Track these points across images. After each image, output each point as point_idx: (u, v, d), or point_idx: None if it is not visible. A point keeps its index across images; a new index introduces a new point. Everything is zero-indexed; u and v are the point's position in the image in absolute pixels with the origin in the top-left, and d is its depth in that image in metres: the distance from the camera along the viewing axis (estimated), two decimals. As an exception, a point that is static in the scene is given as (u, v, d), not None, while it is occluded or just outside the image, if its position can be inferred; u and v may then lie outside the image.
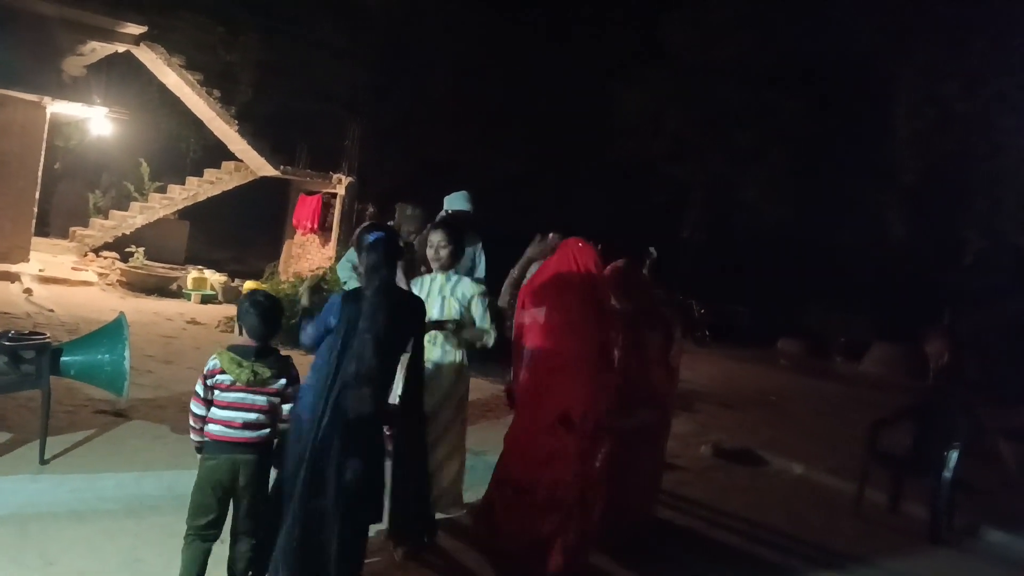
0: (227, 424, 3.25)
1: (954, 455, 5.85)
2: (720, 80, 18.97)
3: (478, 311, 4.34)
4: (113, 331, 4.66)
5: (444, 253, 4.38)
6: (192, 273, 12.84)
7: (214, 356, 3.29)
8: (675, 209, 20.95)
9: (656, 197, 20.55)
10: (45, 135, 12.57)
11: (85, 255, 13.84)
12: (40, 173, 12.56)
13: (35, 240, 12.77)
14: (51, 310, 9.38)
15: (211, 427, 3.27)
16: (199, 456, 3.34)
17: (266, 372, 3.27)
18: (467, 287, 4.39)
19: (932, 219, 15.73)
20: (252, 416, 3.26)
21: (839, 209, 17.65)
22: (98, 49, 13.35)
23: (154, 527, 4.08)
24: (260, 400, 3.28)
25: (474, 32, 18.15)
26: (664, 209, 20.71)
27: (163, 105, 15.73)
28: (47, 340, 4.67)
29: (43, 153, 12.59)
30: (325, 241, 15.35)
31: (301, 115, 17.24)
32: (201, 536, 3.29)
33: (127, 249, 14.04)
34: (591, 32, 20.56)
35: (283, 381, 3.31)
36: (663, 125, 19.96)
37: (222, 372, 3.25)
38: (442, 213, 6.14)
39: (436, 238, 4.42)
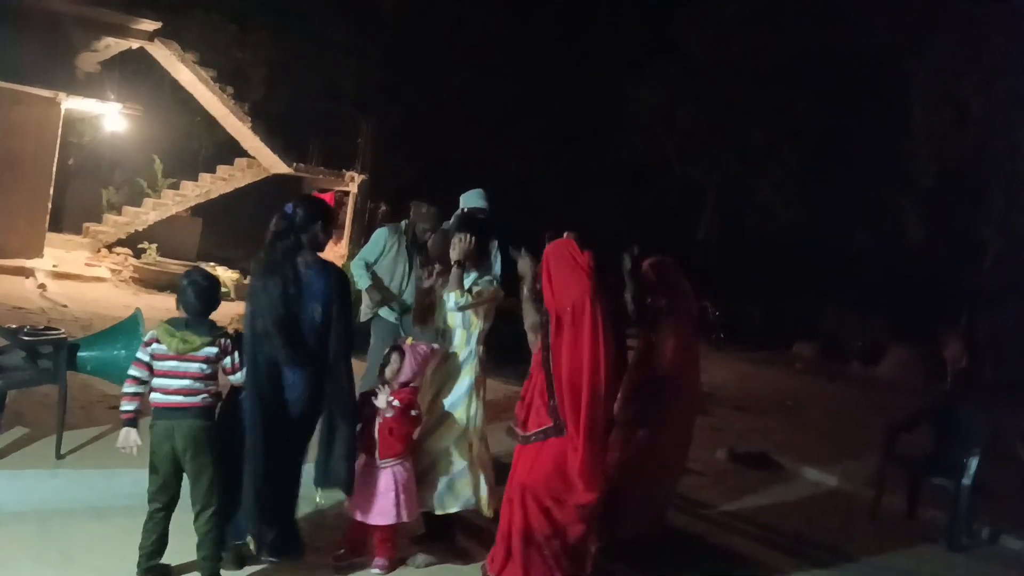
0: (163, 391, 3.50)
1: (973, 459, 5.78)
2: (734, 77, 18.85)
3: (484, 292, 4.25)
4: (129, 327, 4.64)
5: (461, 248, 4.27)
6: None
7: (153, 329, 3.57)
8: (688, 209, 20.85)
9: (669, 197, 20.47)
10: (59, 131, 12.61)
11: (98, 251, 13.89)
12: (54, 169, 12.60)
13: (49, 236, 12.82)
14: (65, 305, 9.40)
15: (152, 395, 3.53)
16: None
17: (195, 340, 3.49)
18: (482, 283, 4.27)
19: (949, 220, 15.61)
20: (185, 383, 3.49)
21: (855, 210, 17.53)
22: (112, 45, 13.40)
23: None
24: (192, 367, 3.50)
25: (485, 30, 18.14)
26: (677, 209, 20.63)
27: (176, 102, 15.76)
28: (64, 336, 4.66)
29: (57, 149, 12.64)
30: (337, 239, 15.36)
31: (313, 113, 17.27)
32: (152, 503, 3.54)
33: (140, 245, 14.08)
34: (603, 29, 20.50)
35: (213, 349, 3.52)
36: (676, 123, 19.85)
37: (157, 342, 3.52)
38: (458, 211, 6.13)
39: (458, 238, 4.31)
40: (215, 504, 3.52)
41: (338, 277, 3.74)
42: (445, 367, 4.21)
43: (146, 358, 3.52)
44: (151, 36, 13.19)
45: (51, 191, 12.63)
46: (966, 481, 5.75)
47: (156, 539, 3.54)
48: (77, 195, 15.53)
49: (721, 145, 19.51)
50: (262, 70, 16.56)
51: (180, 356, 3.48)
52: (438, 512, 4.15)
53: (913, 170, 15.76)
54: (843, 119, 17.53)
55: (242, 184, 15.65)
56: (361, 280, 5.60)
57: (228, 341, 3.59)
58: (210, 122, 15.68)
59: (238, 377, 3.60)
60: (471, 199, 6.03)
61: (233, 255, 16.51)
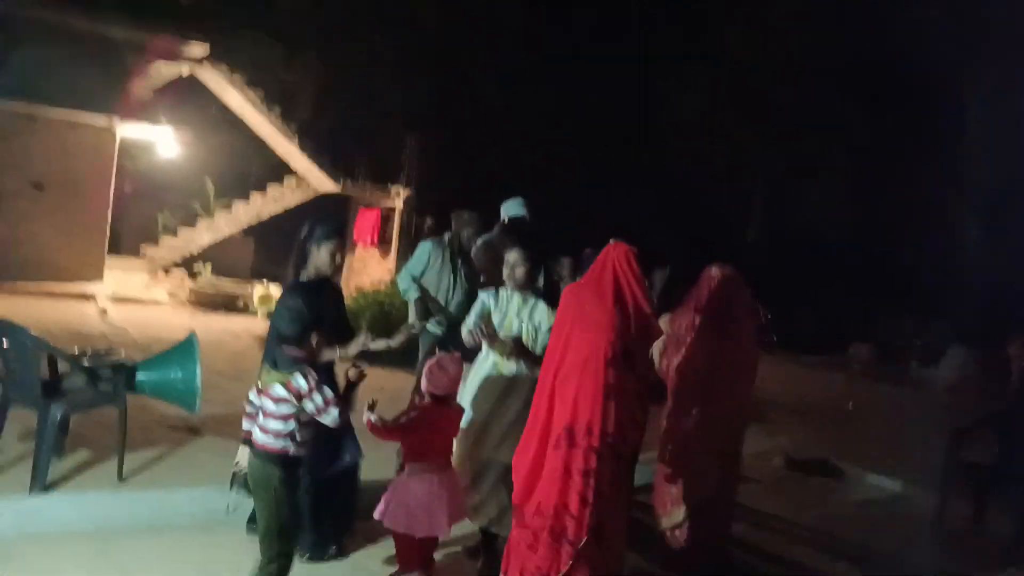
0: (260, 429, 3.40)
1: (1042, 465, 5.57)
2: (779, 81, 18.59)
3: (542, 342, 4.08)
4: (185, 349, 4.74)
5: (520, 272, 4.21)
6: (258, 289, 13.07)
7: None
8: (734, 213, 20.56)
9: (716, 201, 20.22)
10: (115, 156, 12.97)
11: (155, 273, 14.23)
12: (111, 194, 12.96)
13: (108, 259, 13.17)
14: (125, 329, 9.64)
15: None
16: None
17: (267, 376, 3.34)
18: (543, 314, 4.19)
19: (1010, 219, 15.12)
20: (260, 419, 3.37)
21: (912, 211, 17.11)
22: (164, 71, 13.75)
23: (225, 541, 4.13)
24: (267, 404, 3.31)
25: (526, 41, 18.18)
26: (723, 213, 20.36)
27: (225, 123, 16.09)
28: (123, 359, 4.78)
29: (114, 174, 12.99)
30: (385, 254, 15.50)
31: (359, 130, 17.47)
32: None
33: (194, 266, 14.38)
34: (645, 35, 20.38)
35: (280, 390, 3.29)
36: (720, 127, 19.64)
37: None
38: (501, 221, 6.14)
39: (512, 257, 4.24)
40: (263, 558, 3.30)
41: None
42: (499, 384, 4.16)
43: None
44: (201, 60, 13.51)
45: (109, 215, 12.99)
46: (1034, 487, 5.54)
47: None
48: (133, 218, 15.93)
49: (767, 149, 19.25)
50: (309, 89, 16.83)
51: (260, 391, 3.32)
52: (475, 523, 4.15)
53: (970, 171, 15.32)
54: (897, 121, 17.12)
55: (292, 204, 15.88)
56: (409, 292, 5.64)
57: (303, 382, 3.23)
58: (259, 143, 15.98)
59: (326, 419, 3.29)
60: (512, 208, 6.07)
61: (285, 272, 16.76)
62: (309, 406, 3.25)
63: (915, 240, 17.25)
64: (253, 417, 3.33)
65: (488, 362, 4.22)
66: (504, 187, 7.08)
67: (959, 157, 15.72)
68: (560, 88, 18.96)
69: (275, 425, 3.25)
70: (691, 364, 4.70)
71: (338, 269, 4.11)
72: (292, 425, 3.25)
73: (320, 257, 3.98)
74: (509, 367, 4.18)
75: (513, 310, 4.25)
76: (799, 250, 18.57)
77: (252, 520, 4.06)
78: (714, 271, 4.79)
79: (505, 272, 4.26)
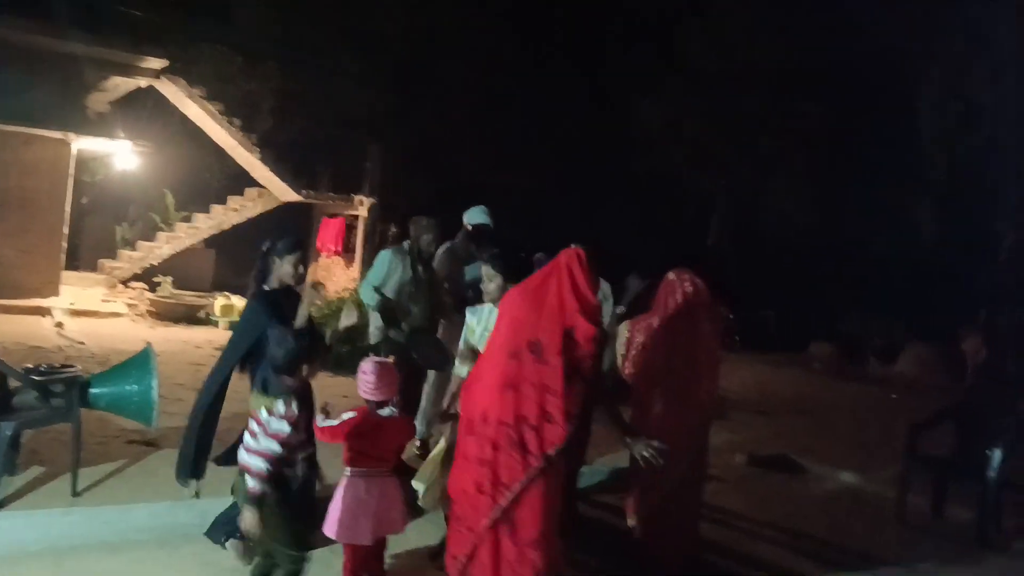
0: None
1: (998, 455, 5.69)
2: (740, 86, 18.84)
3: None
4: (140, 362, 4.68)
5: (492, 286, 4.25)
6: (219, 300, 12.94)
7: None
8: (699, 218, 20.77)
9: (680, 207, 20.41)
10: (72, 171, 12.76)
11: (114, 287, 14.02)
12: (68, 208, 12.75)
13: (65, 274, 12.94)
14: (82, 343, 9.48)
15: None
16: None
17: (253, 401, 3.75)
18: None
19: (963, 216, 15.46)
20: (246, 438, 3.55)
21: (867, 211, 17.41)
22: (121, 85, 13.59)
23: (188, 556, 4.08)
24: (252, 424, 3.55)
25: (490, 52, 18.21)
26: (687, 218, 20.56)
27: (185, 136, 15.93)
28: (75, 373, 4.70)
29: (70, 189, 12.78)
30: (349, 262, 15.44)
31: (322, 140, 17.38)
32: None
33: (154, 279, 14.19)
34: (608, 46, 20.54)
35: (264, 415, 3.51)
36: (684, 134, 19.83)
37: None
38: (464, 228, 6.16)
39: (486, 271, 4.29)
40: (284, 568, 3.52)
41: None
42: None
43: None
44: (158, 74, 13.36)
45: (66, 230, 12.77)
46: (992, 475, 5.66)
47: None
48: (91, 233, 15.70)
49: (729, 153, 19.47)
50: (270, 100, 16.71)
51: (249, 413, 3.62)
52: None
53: (924, 168, 15.64)
54: (851, 121, 17.43)
55: (253, 214, 15.76)
56: (369, 300, 5.63)
57: (284, 410, 3.46)
58: (220, 154, 15.85)
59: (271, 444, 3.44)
60: (474, 215, 6.09)
61: (247, 283, 16.60)
62: (275, 425, 3.42)
63: (874, 239, 17.54)
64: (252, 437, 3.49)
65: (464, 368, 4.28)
66: (469, 195, 7.11)
67: (915, 154, 16.04)
68: (524, 96, 19.03)
69: (266, 446, 3.40)
70: (652, 366, 4.79)
71: (300, 280, 4.24)
72: (279, 448, 3.41)
73: (283, 269, 4.18)
74: None
75: (493, 323, 4.17)
76: (761, 252, 18.83)
77: (212, 529, 4.08)
78: (671, 276, 4.90)
79: (483, 286, 4.31)
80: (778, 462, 7.22)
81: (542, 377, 3.47)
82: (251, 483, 3.36)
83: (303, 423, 3.55)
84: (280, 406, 3.44)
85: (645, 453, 3.64)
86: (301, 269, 4.24)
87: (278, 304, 4.07)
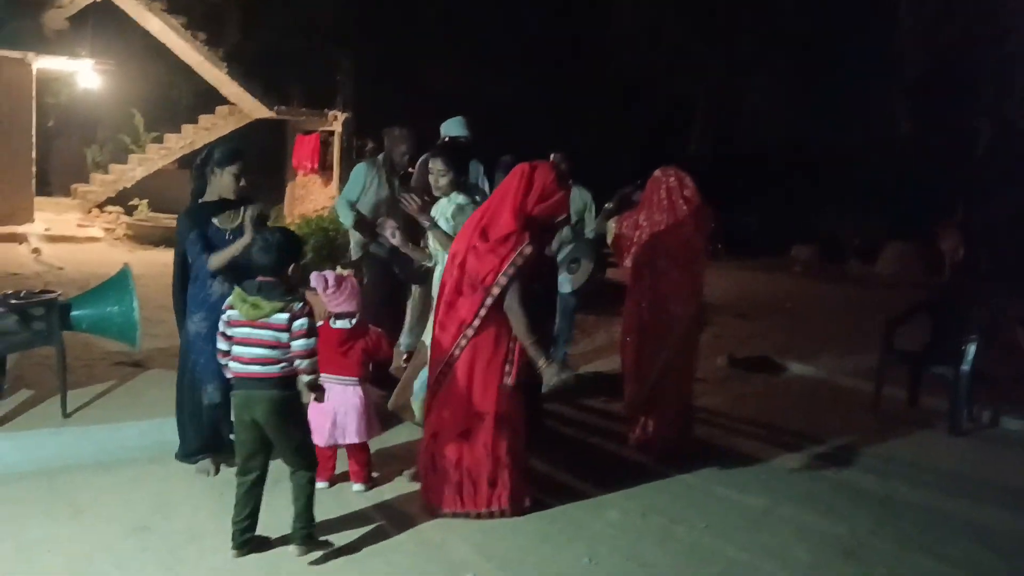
0: (239, 359, 3.30)
1: (971, 346, 5.82)
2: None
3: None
4: (119, 283, 4.65)
5: (443, 181, 4.44)
6: (197, 222, 12.78)
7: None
8: (679, 124, 20.54)
9: (658, 113, 20.15)
10: (34, 92, 12.39)
11: (89, 211, 13.80)
12: (34, 131, 12.43)
13: (38, 200, 12.72)
14: (61, 268, 9.40)
15: (231, 363, 3.33)
16: None
17: (264, 306, 3.22)
18: (469, 210, 4.37)
19: (940, 112, 15.37)
20: (260, 351, 3.26)
21: (845, 110, 17.25)
22: (77, -1, 13.05)
23: (179, 471, 4.15)
24: (265, 335, 3.25)
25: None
26: (667, 124, 20.33)
27: (150, 53, 15.41)
28: (54, 297, 4.67)
29: (34, 111, 12.43)
30: (327, 180, 15.22)
31: (291, 54, 16.86)
32: (240, 471, 3.39)
33: (130, 203, 13.97)
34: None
35: (283, 316, 3.24)
36: (661, 36, 19.40)
37: (232, 307, 3.30)
38: (441, 139, 6.06)
39: (436, 166, 4.44)
40: (306, 468, 3.38)
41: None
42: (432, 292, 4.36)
43: (222, 326, 3.32)
44: (115, -15, 12.84)
45: (34, 154, 12.48)
46: (965, 367, 5.81)
47: (249, 512, 3.35)
48: (61, 156, 15.34)
49: (707, 55, 19.11)
50: (236, 12, 16.14)
51: (252, 323, 3.24)
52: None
53: (902, 63, 15.44)
54: (829, 16, 17.08)
55: (225, 132, 15.37)
56: (345, 219, 5.60)
57: (302, 307, 3.25)
58: (187, 71, 15.37)
59: (304, 365, 3.29)
60: (452, 127, 5.99)
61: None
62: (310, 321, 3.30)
63: (853, 138, 17.44)
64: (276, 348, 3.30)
65: (438, 268, 4.38)
66: (445, 106, 6.98)
67: (892, 50, 15.80)
68: (499, 2, 18.48)
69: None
70: (640, 258, 4.97)
71: (242, 192, 4.08)
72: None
73: (223, 182, 4.00)
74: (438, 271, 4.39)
75: (439, 212, 4.47)
76: (742, 157, 18.71)
77: (182, 453, 4.20)
78: (658, 173, 5.02)
79: (431, 180, 4.48)
80: (758, 363, 7.36)
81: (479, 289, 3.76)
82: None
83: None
84: (295, 306, 3.26)
85: (555, 381, 3.77)
86: (242, 181, 4.04)
87: (200, 220, 3.97)
